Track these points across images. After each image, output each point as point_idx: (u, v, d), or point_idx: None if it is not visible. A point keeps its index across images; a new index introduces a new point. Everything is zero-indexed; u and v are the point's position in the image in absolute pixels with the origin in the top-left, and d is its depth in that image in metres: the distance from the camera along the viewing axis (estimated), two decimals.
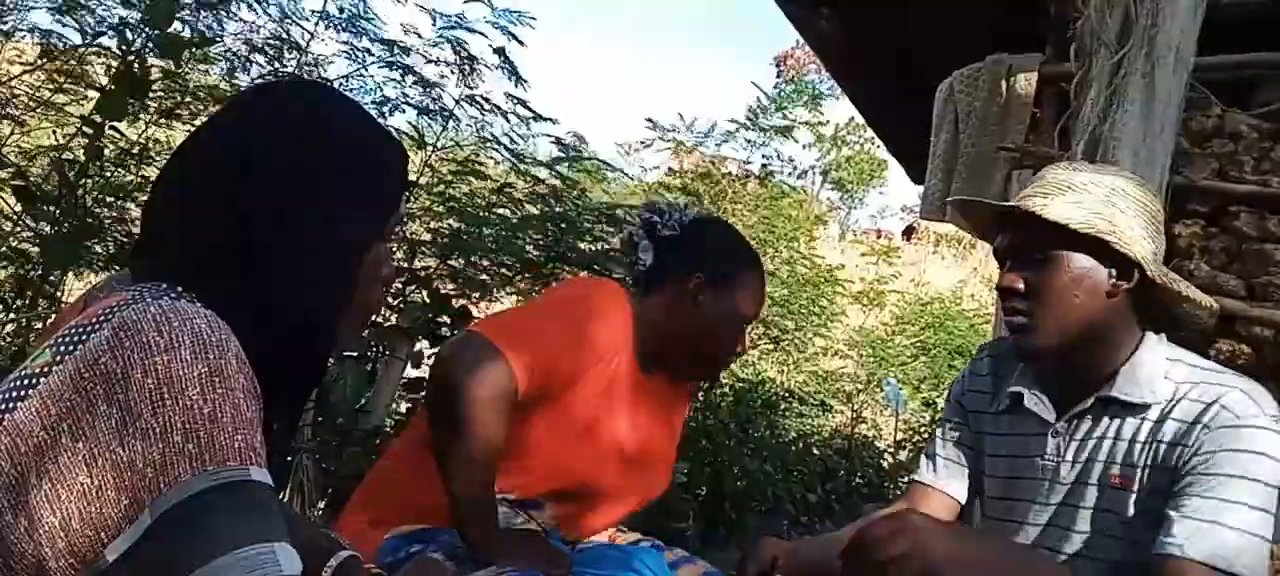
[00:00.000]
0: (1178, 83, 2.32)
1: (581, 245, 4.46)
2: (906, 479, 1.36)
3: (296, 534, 1.00)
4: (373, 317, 0.99)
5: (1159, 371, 1.07)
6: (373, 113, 0.87)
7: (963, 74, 2.77)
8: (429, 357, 3.78)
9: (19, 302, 2.55)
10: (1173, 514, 0.98)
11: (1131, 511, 1.06)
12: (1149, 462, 1.05)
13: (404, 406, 3.90)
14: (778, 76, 11.24)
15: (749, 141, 5.96)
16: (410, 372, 3.86)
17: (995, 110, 2.65)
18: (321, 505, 2.97)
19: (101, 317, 0.68)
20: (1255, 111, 2.38)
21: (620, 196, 5.66)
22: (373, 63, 3.62)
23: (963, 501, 1.29)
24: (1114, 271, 1.08)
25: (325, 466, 3.16)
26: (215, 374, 0.64)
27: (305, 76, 3.28)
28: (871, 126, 4.76)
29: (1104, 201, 1.07)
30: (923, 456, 1.35)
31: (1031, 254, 1.09)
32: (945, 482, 1.28)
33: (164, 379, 0.63)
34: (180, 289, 0.72)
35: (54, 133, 3.03)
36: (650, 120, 6.29)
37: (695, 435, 4.88)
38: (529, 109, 3.99)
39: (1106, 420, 1.10)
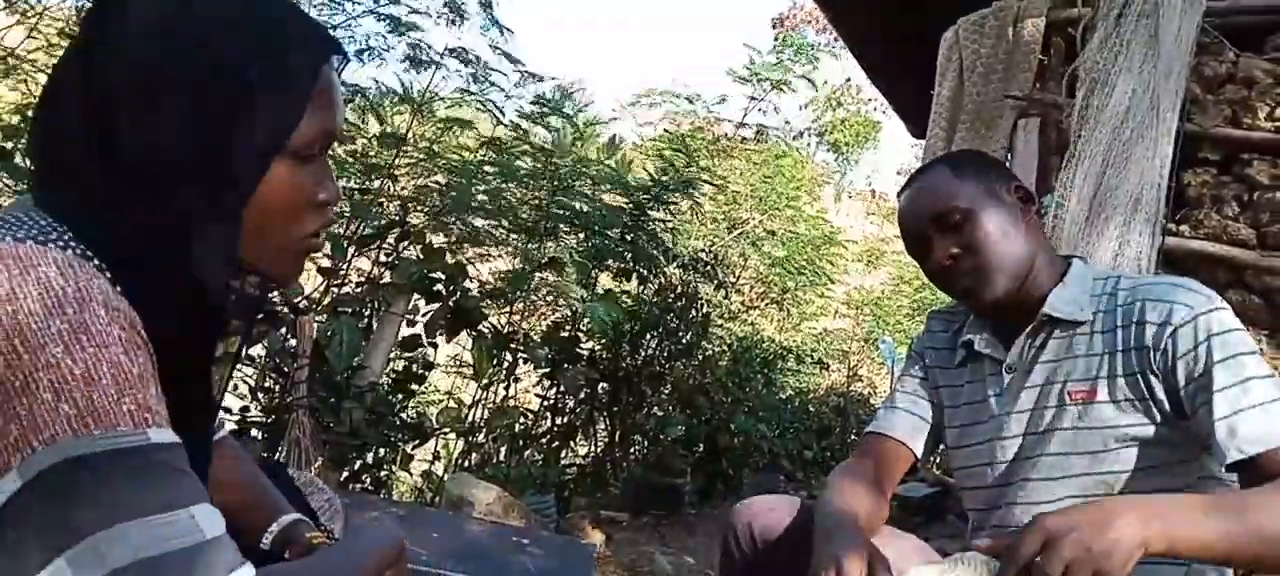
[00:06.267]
0: (1188, 26, 2.25)
1: (575, 206, 4.38)
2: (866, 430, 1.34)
3: (239, 491, 0.92)
4: (313, 253, 0.83)
5: (1086, 290, 1.15)
6: (356, 62, 0.77)
7: (969, 21, 2.70)
8: (424, 314, 3.73)
9: None
10: (1216, 418, 0.99)
11: (1109, 421, 1.09)
12: (1107, 372, 1.10)
13: (400, 364, 3.85)
14: (775, 40, 11.09)
15: (751, 97, 5.86)
16: (406, 330, 3.82)
17: (1001, 57, 2.58)
18: (319, 461, 2.95)
19: None
20: (1270, 57, 2.32)
21: (616, 154, 5.55)
22: (362, 12, 3.53)
23: (918, 453, 1.30)
24: (1010, 197, 1.17)
25: (324, 422, 3.13)
26: (79, 331, 0.58)
27: None
28: (872, 80, 4.67)
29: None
30: (880, 408, 1.35)
31: (948, 223, 1.16)
32: (903, 433, 1.29)
33: (12, 330, 0.57)
34: (52, 220, 0.65)
35: (25, 87, 2.95)
36: (644, 92, 6.19)
37: (692, 393, 4.86)
38: (511, 59, 3.92)
39: (1051, 343, 1.16)
